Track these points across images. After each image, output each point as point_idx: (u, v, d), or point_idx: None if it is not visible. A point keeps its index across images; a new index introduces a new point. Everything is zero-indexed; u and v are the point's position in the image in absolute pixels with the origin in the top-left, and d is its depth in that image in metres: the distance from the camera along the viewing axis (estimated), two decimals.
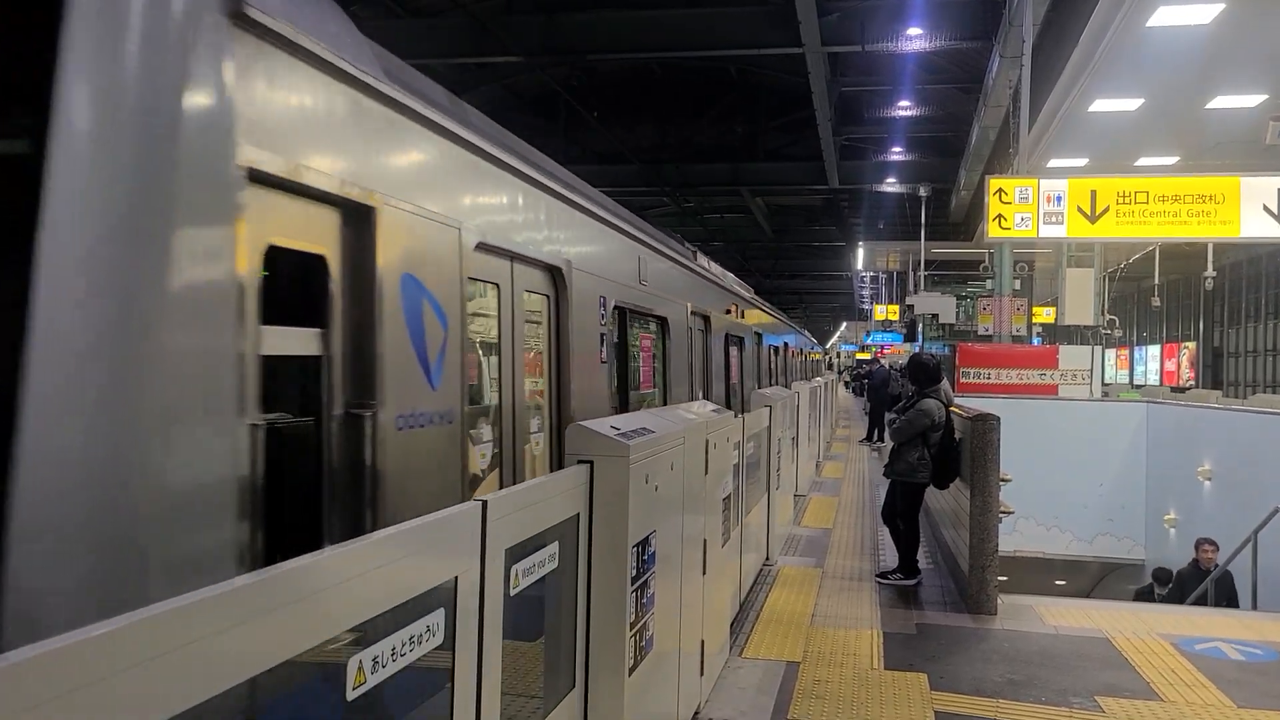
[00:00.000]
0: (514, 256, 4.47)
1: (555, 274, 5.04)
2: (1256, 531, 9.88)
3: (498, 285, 4.35)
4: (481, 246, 3.96)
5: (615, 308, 6.16)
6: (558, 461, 4.90)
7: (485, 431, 4.19)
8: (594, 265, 5.68)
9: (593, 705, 3.27)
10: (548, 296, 5.01)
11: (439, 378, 3.43)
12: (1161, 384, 36.65)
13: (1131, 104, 14.59)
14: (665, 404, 7.66)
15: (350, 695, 1.77)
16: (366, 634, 1.83)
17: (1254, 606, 9.75)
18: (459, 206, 3.75)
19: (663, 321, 7.87)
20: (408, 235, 3.26)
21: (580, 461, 3.27)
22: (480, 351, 4.29)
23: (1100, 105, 14.64)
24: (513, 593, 2.60)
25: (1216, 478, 14.54)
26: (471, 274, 3.90)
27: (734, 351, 11.87)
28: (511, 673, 2.65)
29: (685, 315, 8.61)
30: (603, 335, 5.78)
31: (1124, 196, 12.26)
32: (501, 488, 3.97)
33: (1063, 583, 17.38)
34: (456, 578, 2.20)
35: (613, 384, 6.22)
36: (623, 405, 6.63)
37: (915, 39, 17.97)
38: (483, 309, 4.31)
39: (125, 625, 1.23)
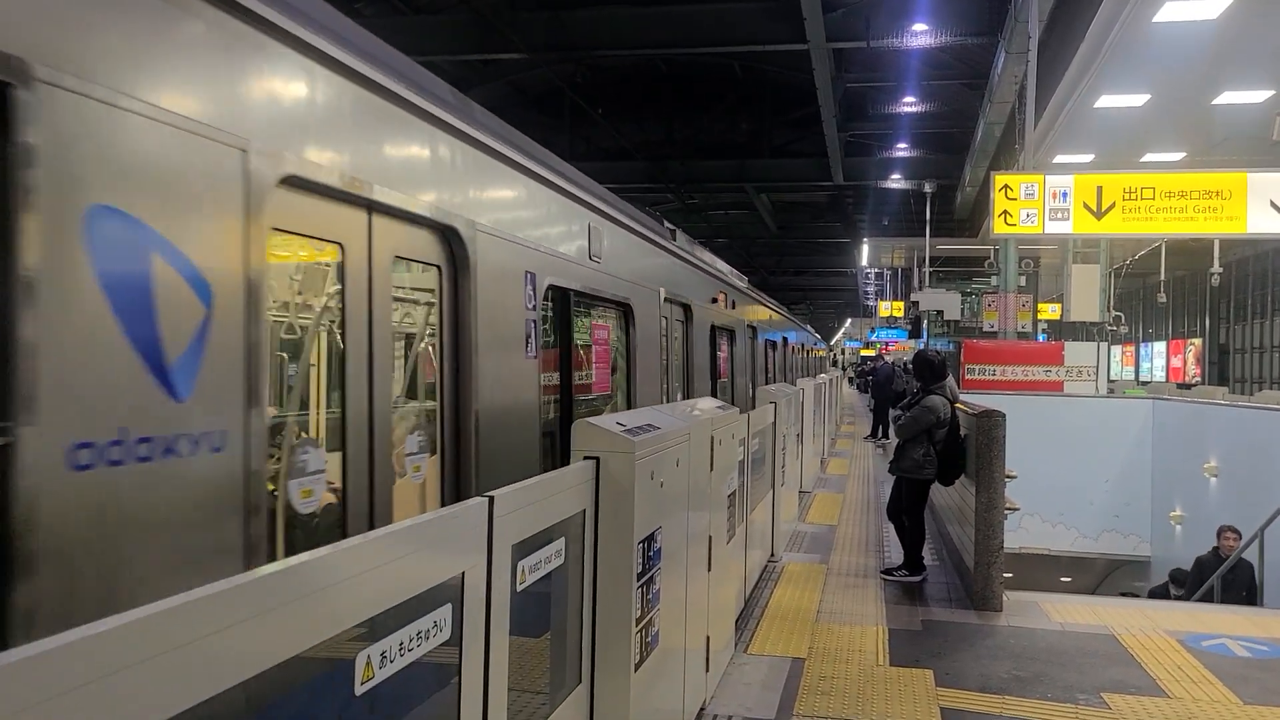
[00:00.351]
0: (372, 206, 3.19)
1: (450, 236, 3.75)
2: (1263, 528, 9.86)
3: (341, 245, 3.09)
4: (296, 183, 2.74)
5: (551, 288, 4.91)
6: (453, 495, 3.78)
7: (307, 461, 2.94)
8: (516, 230, 4.42)
9: (598, 701, 3.26)
10: (439, 268, 3.75)
11: (190, 381, 2.25)
12: (1167, 380, 36.56)
13: (1138, 100, 14.55)
14: (629, 409, 6.28)
15: (358, 690, 1.77)
16: (374, 629, 1.83)
17: (1261, 603, 9.74)
18: (248, 118, 2.50)
19: (625, 309, 6.56)
20: (102, 141, 2.04)
21: (586, 458, 3.26)
22: (301, 342, 3.18)
23: (1106, 101, 14.59)
24: (519, 589, 2.60)
25: (1223, 474, 14.51)
26: (280, 224, 2.72)
27: (723, 347, 10.91)
28: (517, 669, 2.64)
29: (657, 303, 7.34)
30: (530, 324, 4.52)
31: (1130, 192, 12.24)
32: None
33: (1068, 579, 17.37)
34: (464, 573, 2.20)
35: (542, 385, 4.78)
36: (565, 413, 5.41)
37: (920, 35, 17.95)
38: (307, 280, 3.20)
39: (132, 621, 1.22)
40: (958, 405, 8.03)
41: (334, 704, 1.79)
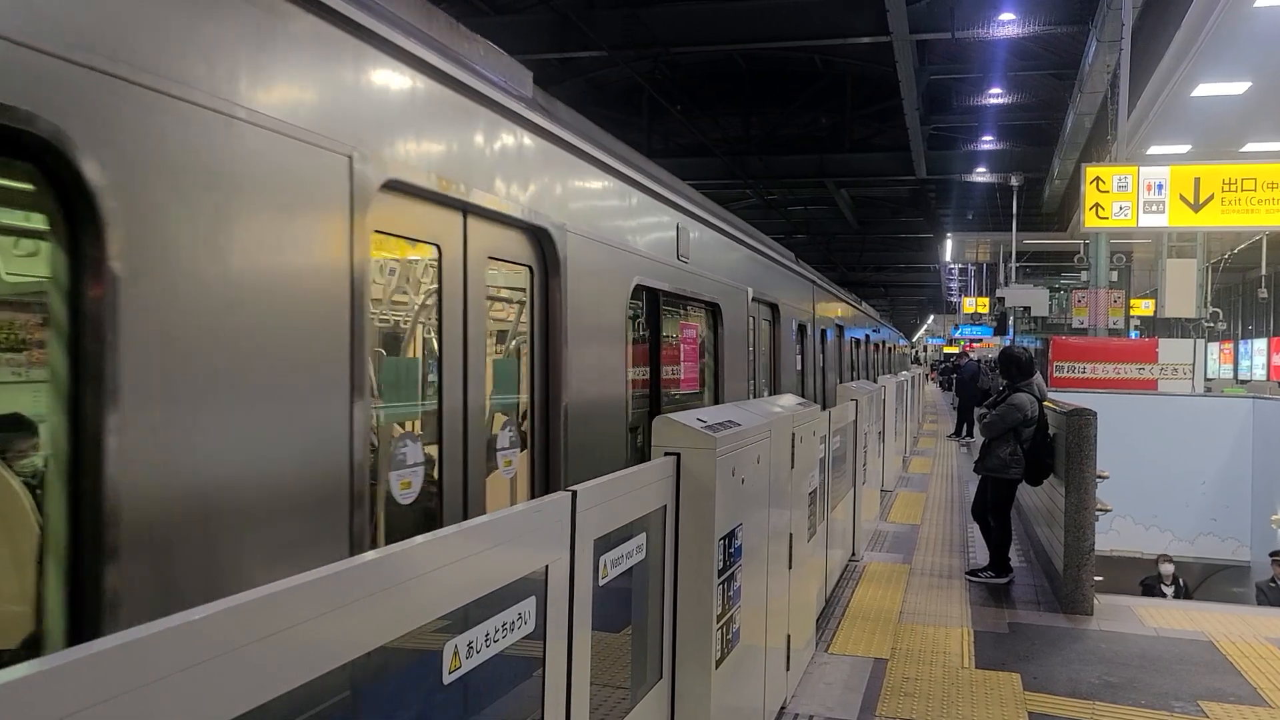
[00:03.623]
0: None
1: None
2: None
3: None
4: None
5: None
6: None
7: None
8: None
9: (680, 696, 3.27)
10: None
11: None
12: (1269, 379, 35.09)
13: (1238, 88, 13.95)
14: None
15: (446, 679, 1.80)
16: (461, 620, 1.86)
17: None
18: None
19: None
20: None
21: (667, 454, 3.26)
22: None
23: (1204, 89, 14.03)
24: (601, 583, 2.61)
25: None
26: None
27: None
28: (599, 663, 2.66)
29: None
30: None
31: (1229, 184, 11.82)
32: None
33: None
34: (547, 567, 2.22)
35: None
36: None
37: (1007, 25, 17.47)
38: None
39: (227, 609, 1.26)
40: (1046, 403, 7.83)
41: (423, 691, 1.83)
